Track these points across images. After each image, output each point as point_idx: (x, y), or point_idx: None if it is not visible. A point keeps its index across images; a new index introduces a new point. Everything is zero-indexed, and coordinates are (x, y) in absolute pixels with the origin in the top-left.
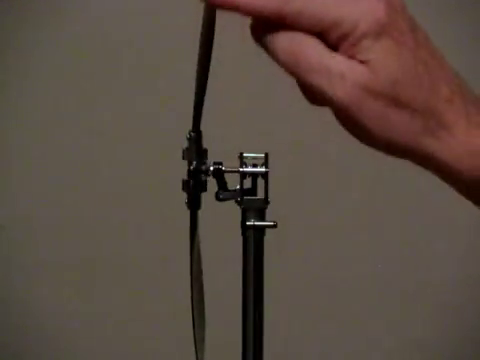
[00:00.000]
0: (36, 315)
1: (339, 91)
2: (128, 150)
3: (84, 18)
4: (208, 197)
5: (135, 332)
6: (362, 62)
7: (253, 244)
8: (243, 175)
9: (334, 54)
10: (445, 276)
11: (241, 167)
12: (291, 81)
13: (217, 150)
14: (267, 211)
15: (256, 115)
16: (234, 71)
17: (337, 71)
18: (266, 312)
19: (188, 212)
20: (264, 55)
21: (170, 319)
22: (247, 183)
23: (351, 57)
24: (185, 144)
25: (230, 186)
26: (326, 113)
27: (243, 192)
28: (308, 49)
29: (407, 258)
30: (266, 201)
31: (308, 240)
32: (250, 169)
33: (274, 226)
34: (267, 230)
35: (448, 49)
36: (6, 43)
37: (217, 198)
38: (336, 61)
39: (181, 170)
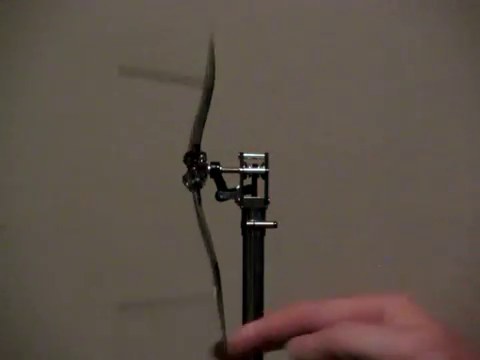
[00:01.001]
0: (36, 315)
1: (404, 344)
2: (129, 150)
3: (85, 18)
4: (208, 197)
5: (135, 332)
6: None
7: (253, 244)
8: (243, 175)
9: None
10: (445, 276)
11: (241, 167)
12: (291, 81)
13: (217, 150)
14: (267, 211)
15: (256, 115)
16: (234, 71)
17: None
18: (266, 312)
19: (189, 212)
20: (264, 55)
21: (171, 319)
22: (247, 183)
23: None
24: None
25: (230, 186)
26: (326, 114)
27: (243, 192)
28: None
29: (407, 258)
30: (266, 201)
31: (308, 240)
32: (250, 169)
33: (274, 226)
34: (267, 230)
35: (447, 49)
36: (6, 43)
37: (217, 198)
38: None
39: (183, 170)
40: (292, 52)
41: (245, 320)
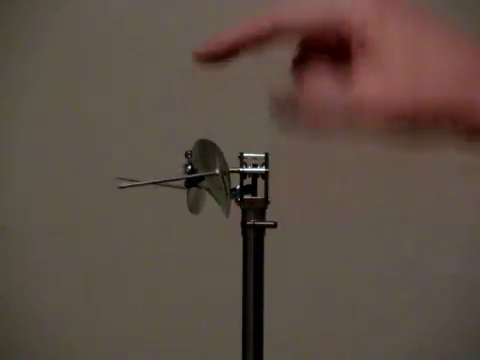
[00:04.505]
0: (36, 315)
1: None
2: (129, 150)
3: (85, 18)
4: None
5: (135, 332)
6: None
7: (253, 244)
8: (243, 175)
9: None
10: (445, 276)
11: (241, 167)
12: (291, 82)
13: None
14: (267, 211)
15: (256, 115)
16: (234, 71)
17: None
18: (266, 312)
19: (189, 212)
20: (263, 56)
21: (170, 319)
22: (247, 183)
23: None
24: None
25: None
26: None
27: (243, 192)
28: None
29: (407, 258)
30: (266, 201)
31: (308, 240)
32: (250, 169)
33: (274, 226)
34: (267, 230)
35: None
36: (6, 43)
37: None
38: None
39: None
40: (291, 52)
41: (245, 320)
